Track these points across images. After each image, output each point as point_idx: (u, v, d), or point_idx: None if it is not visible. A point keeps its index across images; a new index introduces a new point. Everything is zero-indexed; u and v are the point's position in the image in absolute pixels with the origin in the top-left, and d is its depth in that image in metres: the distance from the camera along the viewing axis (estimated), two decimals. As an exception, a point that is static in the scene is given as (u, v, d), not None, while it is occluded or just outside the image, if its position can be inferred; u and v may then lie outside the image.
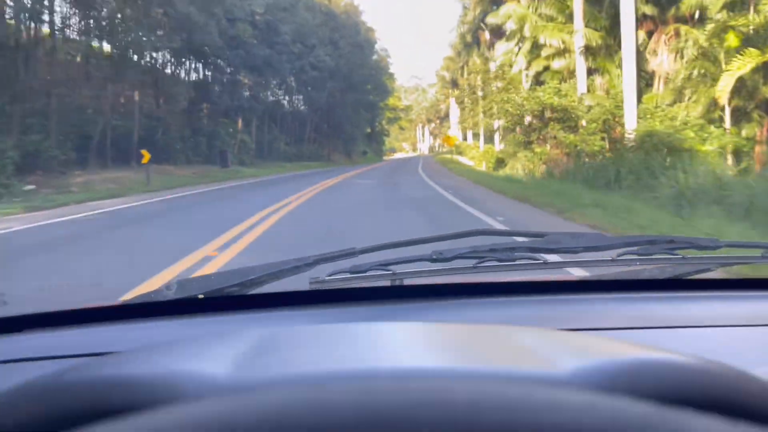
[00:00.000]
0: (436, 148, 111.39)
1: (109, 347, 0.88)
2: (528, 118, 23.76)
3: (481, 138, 49.11)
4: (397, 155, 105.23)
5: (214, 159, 30.08)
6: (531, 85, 23.99)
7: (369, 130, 76.00)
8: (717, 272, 1.30)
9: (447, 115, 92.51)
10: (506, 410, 0.30)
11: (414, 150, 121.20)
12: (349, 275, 1.14)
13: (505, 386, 0.35)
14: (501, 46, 27.92)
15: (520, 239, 1.31)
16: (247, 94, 35.27)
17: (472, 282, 1.21)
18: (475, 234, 1.35)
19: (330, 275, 1.14)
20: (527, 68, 25.28)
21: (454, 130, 77.08)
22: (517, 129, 23.29)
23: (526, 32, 23.49)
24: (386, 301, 1.11)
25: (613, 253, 1.21)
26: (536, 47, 24.18)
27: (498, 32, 44.49)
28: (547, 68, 23.09)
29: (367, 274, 1.14)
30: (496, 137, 45.36)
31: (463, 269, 1.18)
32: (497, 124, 40.57)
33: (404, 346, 0.57)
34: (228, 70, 32.07)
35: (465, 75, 58.60)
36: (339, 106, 50.45)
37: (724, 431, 0.29)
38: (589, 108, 19.91)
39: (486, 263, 1.16)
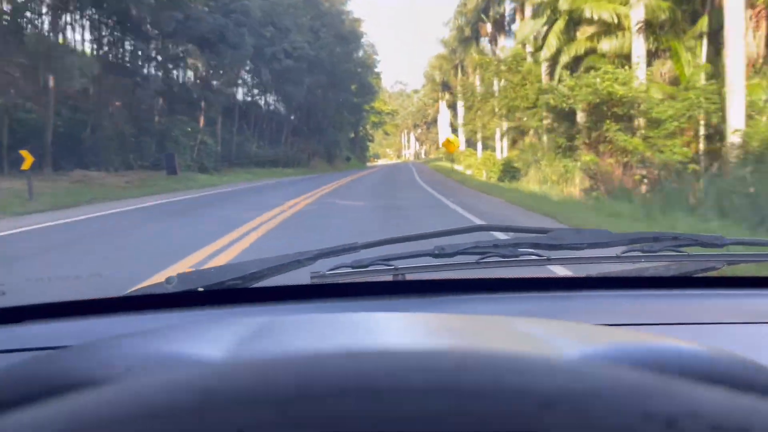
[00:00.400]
0: (422, 155, 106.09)
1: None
2: (544, 115, 18.26)
3: (479, 143, 43.62)
4: (381, 162, 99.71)
5: (173, 163, 24.01)
6: (560, 77, 18.33)
7: (353, 134, 70.20)
8: (722, 270, 1.22)
9: (435, 121, 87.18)
10: (494, 374, 0.29)
11: (399, 157, 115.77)
12: (350, 270, 1.12)
13: (495, 354, 0.33)
14: (525, 25, 22.23)
15: (523, 235, 1.27)
16: (196, 78, 28.76)
17: (474, 278, 1.18)
18: (478, 229, 1.36)
19: (331, 270, 1.11)
20: (557, 55, 19.69)
21: (444, 136, 71.60)
22: (546, 128, 17.67)
23: (562, 5, 17.91)
24: (388, 296, 1.09)
25: (617, 250, 1.19)
26: (572, 26, 18.73)
27: (501, 24, 39.28)
28: (591, 51, 17.51)
29: (369, 269, 1.12)
30: (497, 143, 39.95)
31: (466, 265, 1.16)
32: (497, 130, 35.25)
33: (400, 332, 0.57)
34: (159, 40, 24.40)
35: (460, 75, 53.19)
36: (320, 106, 44.46)
37: (723, 398, 0.28)
38: (660, 101, 14.37)
39: (489, 259, 1.15)
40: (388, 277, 1.13)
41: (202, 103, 30.33)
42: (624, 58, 16.56)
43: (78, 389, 0.32)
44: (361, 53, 52.60)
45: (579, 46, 17.78)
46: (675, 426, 0.25)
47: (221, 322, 0.57)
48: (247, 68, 38.18)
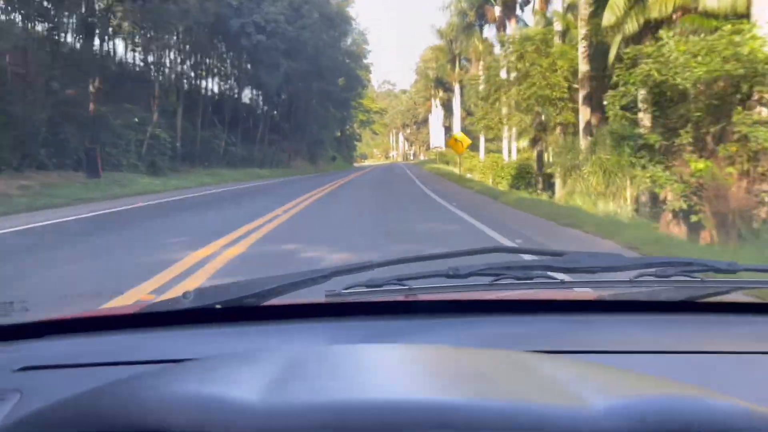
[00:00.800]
0: (411, 156, 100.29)
1: (129, 356, 0.90)
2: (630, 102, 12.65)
3: (481, 143, 38.12)
4: (369, 162, 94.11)
5: (94, 162, 18.04)
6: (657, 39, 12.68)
7: (339, 133, 64.37)
8: (736, 296, 1.19)
9: (425, 120, 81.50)
10: None
11: (386, 157, 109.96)
12: (365, 289, 1.10)
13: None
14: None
15: (538, 257, 1.25)
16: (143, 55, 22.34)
17: (487, 299, 1.17)
18: (492, 251, 1.34)
19: (346, 288, 1.10)
20: (619, 24, 14.14)
21: (438, 136, 66.23)
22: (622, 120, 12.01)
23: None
24: (402, 315, 1.09)
25: (631, 274, 1.17)
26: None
27: (512, 7, 33.81)
28: (681, 11, 11.96)
29: (383, 288, 1.11)
30: (504, 143, 34.38)
31: (479, 286, 1.15)
32: (504, 129, 29.64)
33: (428, 374, 0.57)
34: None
35: (458, 69, 47.56)
36: (303, 98, 38.52)
37: None
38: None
39: (502, 280, 1.14)
40: (402, 297, 1.11)
41: (156, 89, 24.43)
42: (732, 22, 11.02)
43: None
44: (349, 41, 46.58)
45: (663, 5, 12.21)
46: None
47: (249, 360, 0.57)
48: (225, 54, 32.26)
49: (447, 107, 63.40)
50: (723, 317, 1.15)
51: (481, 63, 37.30)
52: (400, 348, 0.68)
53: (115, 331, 1.01)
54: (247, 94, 37.26)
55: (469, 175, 30.94)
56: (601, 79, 18.93)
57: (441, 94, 59.83)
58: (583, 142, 18.60)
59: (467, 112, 53.29)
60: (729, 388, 0.62)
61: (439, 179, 24.85)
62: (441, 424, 0.32)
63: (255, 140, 36.56)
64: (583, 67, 18.75)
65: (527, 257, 1.30)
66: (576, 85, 19.65)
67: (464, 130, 48.66)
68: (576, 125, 20.23)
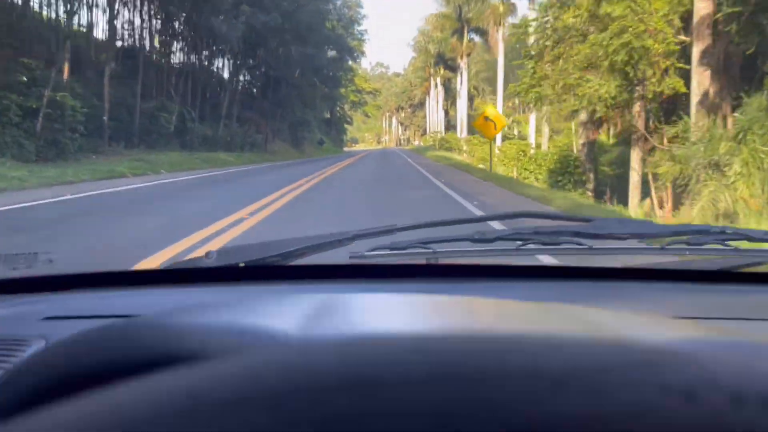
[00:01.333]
0: (404, 142, 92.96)
1: (153, 309, 0.88)
2: None
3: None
4: (360, 147, 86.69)
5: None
6: None
7: (328, 114, 56.89)
8: None
9: (422, 103, 74.05)
10: (498, 356, 0.30)
11: (378, 142, 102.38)
12: (388, 252, 1.08)
13: (498, 335, 0.35)
14: None
15: (566, 223, 1.20)
16: None
17: (513, 264, 1.11)
18: (519, 216, 1.32)
19: (370, 251, 1.08)
20: None
21: (436, 119, 59.01)
22: None
23: None
24: (425, 279, 1.05)
25: (662, 242, 1.12)
26: None
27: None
28: None
29: (407, 251, 1.08)
30: (532, 123, 27.31)
31: (505, 251, 1.11)
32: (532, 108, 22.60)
33: (465, 313, 0.56)
34: None
35: (466, 41, 40.26)
36: (283, 68, 30.97)
37: (743, 365, 0.27)
38: None
39: (529, 245, 1.10)
40: (425, 260, 1.08)
41: (61, 35, 17.02)
42: None
43: (174, 363, 0.34)
44: (339, 1, 38.86)
45: None
46: (694, 397, 0.24)
47: (280, 298, 0.56)
48: None
49: (447, 88, 56.13)
50: (756, 287, 1.08)
51: (500, 30, 30.26)
52: (432, 296, 0.65)
53: (140, 286, 1.00)
54: (219, 64, 29.70)
55: (480, 166, 23.89)
56: (738, 20, 11.85)
57: (442, 72, 52.46)
58: (698, 122, 11.65)
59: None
60: None
61: (462, 174, 17.62)
62: (477, 352, 0.30)
63: (230, 118, 29.15)
64: (703, 5, 11.70)
65: (555, 223, 1.21)
66: (683, 37, 12.70)
67: (468, 115, 41.40)
68: (677, 99, 13.27)
